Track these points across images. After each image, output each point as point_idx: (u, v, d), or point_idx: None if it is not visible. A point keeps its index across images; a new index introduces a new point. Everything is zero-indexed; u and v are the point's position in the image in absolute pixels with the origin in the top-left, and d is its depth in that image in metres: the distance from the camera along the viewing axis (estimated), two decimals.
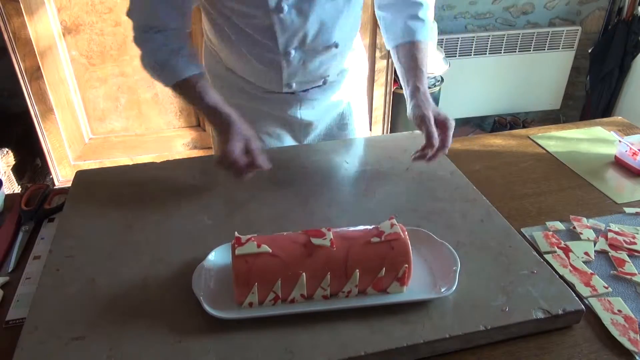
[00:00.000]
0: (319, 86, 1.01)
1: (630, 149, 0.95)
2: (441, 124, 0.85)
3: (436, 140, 0.83)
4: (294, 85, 0.96)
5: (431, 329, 0.59)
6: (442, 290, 0.63)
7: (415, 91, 0.89)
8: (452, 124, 0.85)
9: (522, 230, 0.79)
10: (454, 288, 0.62)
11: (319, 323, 0.59)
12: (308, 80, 0.98)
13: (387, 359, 0.57)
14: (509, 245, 0.72)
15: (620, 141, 0.97)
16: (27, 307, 0.63)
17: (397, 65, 0.96)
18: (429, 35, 0.96)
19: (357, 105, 1.10)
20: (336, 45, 0.92)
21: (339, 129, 1.10)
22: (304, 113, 1.03)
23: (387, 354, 0.57)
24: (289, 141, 1.06)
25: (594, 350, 0.60)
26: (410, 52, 0.93)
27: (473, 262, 0.69)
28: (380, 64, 2.08)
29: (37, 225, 0.82)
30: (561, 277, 0.68)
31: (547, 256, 0.73)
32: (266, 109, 1.02)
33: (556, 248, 0.74)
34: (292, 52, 0.89)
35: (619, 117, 1.19)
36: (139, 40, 0.86)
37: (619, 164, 0.98)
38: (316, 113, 1.04)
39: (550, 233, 0.78)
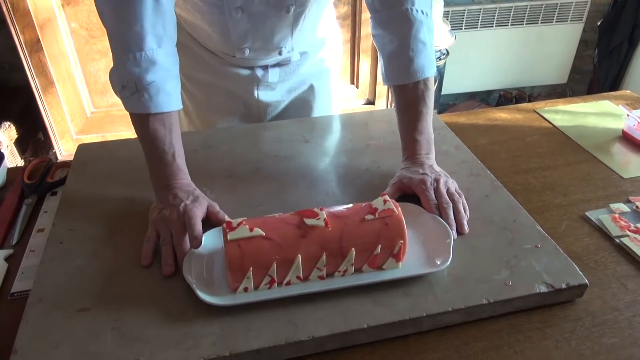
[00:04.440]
0: (279, 65, 0.97)
1: (638, 123, 0.94)
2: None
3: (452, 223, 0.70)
4: (247, 51, 0.91)
5: (434, 302, 0.59)
6: (438, 263, 0.62)
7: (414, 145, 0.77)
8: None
9: (587, 214, 0.77)
10: (449, 261, 0.62)
11: (320, 299, 0.59)
12: (261, 48, 0.92)
13: (390, 331, 0.58)
14: (513, 219, 0.72)
15: (628, 115, 0.96)
16: (32, 280, 0.63)
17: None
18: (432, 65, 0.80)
19: (321, 90, 1.06)
20: (287, 10, 0.85)
21: (300, 113, 1.06)
22: (262, 94, 0.99)
23: (390, 326, 0.57)
24: (247, 121, 1.04)
25: (596, 324, 0.60)
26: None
27: (477, 237, 0.68)
28: None
29: (40, 199, 0.82)
30: None
31: (623, 239, 0.71)
32: (225, 86, 0.99)
33: (627, 231, 0.73)
34: (238, 11, 0.83)
35: (628, 91, 1.17)
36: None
37: (626, 138, 0.97)
38: (275, 94, 1.01)
39: (617, 216, 0.76)
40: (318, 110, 1.07)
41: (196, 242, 0.63)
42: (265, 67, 0.97)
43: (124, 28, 0.68)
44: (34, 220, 0.77)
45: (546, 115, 1.05)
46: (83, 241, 0.69)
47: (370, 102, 2.32)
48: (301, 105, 1.06)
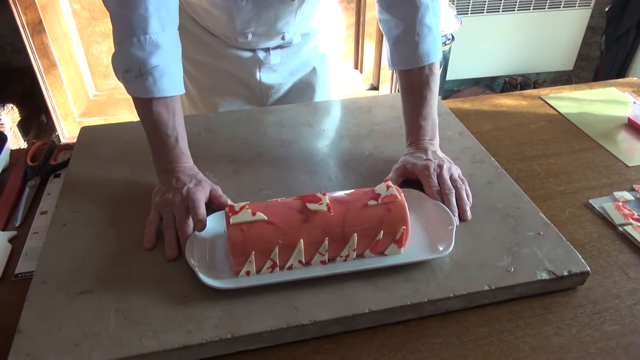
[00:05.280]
0: (280, 47, 0.96)
1: None
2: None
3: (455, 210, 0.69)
4: (250, 36, 0.90)
5: (435, 288, 0.59)
6: (440, 249, 0.63)
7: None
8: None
9: (590, 201, 0.76)
10: (451, 248, 0.62)
11: (322, 284, 0.60)
12: (264, 34, 0.91)
13: (391, 316, 0.58)
14: (516, 206, 0.71)
15: (634, 102, 0.95)
16: (35, 261, 0.64)
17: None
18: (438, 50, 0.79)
19: (324, 73, 1.05)
20: None
21: (303, 95, 1.05)
22: (264, 76, 0.99)
23: (391, 311, 0.57)
24: (250, 104, 1.03)
25: (597, 311, 0.60)
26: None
27: (480, 223, 0.68)
28: None
29: (43, 181, 0.82)
30: None
31: (626, 228, 0.71)
32: (227, 68, 0.98)
33: (631, 220, 0.73)
34: None
35: (634, 78, 1.16)
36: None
37: (632, 126, 0.96)
38: (277, 77, 1.00)
39: (621, 204, 0.76)
40: (321, 93, 1.07)
41: (200, 224, 0.64)
42: (267, 49, 0.96)
43: (127, 11, 0.67)
44: (37, 202, 0.78)
45: (551, 102, 1.04)
46: (86, 223, 0.69)
47: (375, 88, 2.31)
48: (304, 88, 1.05)
